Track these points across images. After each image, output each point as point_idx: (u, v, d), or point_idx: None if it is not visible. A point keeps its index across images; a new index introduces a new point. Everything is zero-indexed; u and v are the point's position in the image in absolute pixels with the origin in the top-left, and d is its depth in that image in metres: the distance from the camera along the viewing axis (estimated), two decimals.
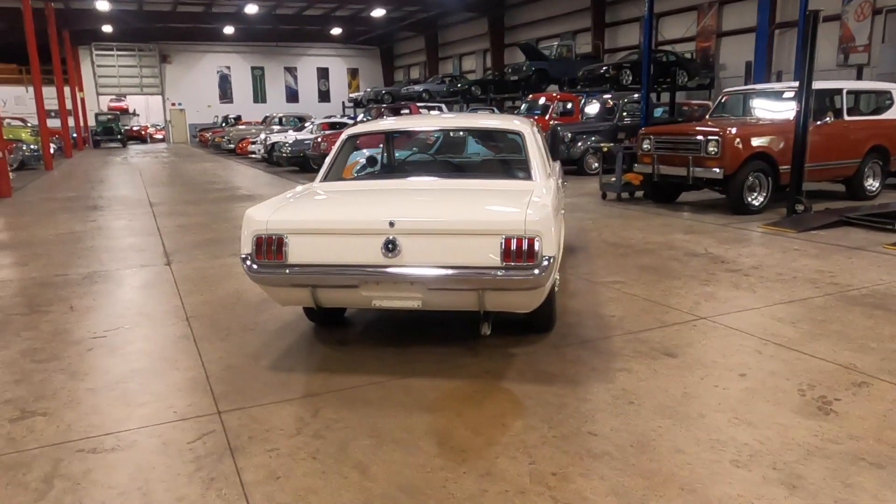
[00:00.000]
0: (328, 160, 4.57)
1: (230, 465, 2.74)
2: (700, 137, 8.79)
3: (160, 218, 9.64)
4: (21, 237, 8.31)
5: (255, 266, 3.56)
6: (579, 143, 14.53)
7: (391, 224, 3.43)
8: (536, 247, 3.32)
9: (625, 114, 14.80)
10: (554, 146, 15.48)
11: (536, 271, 3.32)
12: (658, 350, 3.94)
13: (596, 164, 14.21)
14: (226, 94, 38.43)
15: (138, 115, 40.77)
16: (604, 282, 5.51)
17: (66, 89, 28.81)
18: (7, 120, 24.30)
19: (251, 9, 29.36)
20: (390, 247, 3.41)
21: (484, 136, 5.40)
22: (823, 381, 3.46)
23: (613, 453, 2.78)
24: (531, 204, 3.49)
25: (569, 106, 17.10)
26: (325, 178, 4.43)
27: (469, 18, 32.33)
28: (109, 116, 33.76)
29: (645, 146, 9.66)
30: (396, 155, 5.59)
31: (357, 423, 3.09)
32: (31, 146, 19.91)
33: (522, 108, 18.82)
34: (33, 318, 4.84)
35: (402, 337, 4.28)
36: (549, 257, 3.35)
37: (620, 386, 3.45)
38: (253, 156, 21.44)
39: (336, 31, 36.11)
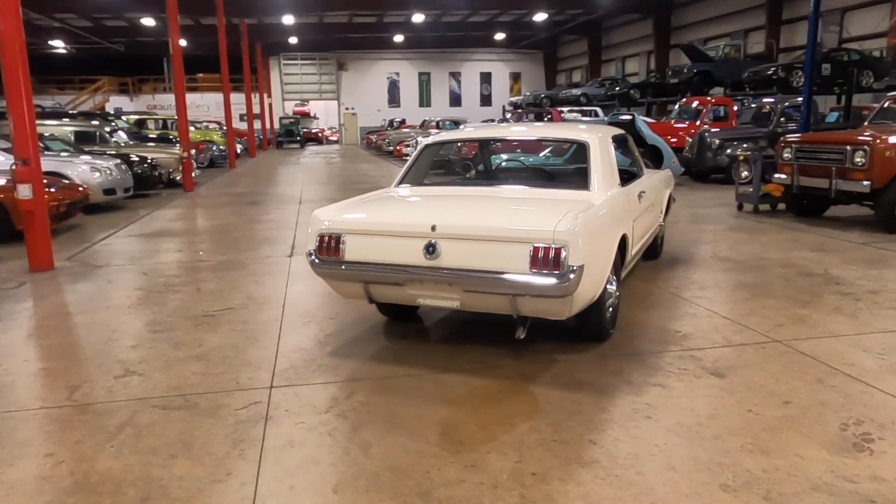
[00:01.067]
0: (406, 166, 4.93)
1: (260, 431, 3.17)
2: (846, 147, 8.04)
3: (302, 215, 10.62)
4: (185, 227, 9.62)
5: (317, 261, 3.99)
6: (728, 151, 13.70)
7: (433, 228, 3.69)
8: (563, 256, 3.41)
9: (783, 119, 13.71)
10: (700, 154, 14.74)
11: (562, 280, 3.41)
12: (707, 369, 3.82)
13: (746, 173, 13.32)
14: (394, 98, 40.63)
15: (318, 119, 44.32)
16: (690, 296, 5.33)
17: (256, 96, 32.18)
18: (204, 123, 27.67)
19: (418, 18, 30.82)
20: (430, 249, 3.67)
21: (554, 146, 5.43)
22: (878, 417, 3.19)
23: (603, 462, 2.83)
24: (567, 214, 3.58)
25: (724, 110, 16.17)
26: (401, 183, 4.79)
27: (633, 20, 31.44)
28: (291, 120, 37.12)
29: (785, 155, 8.99)
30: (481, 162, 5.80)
31: (380, 409, 3.39)
32: (220, 147, 22.52)
33: (674, 112, 18.07)
34: (165, 295, 5.70)
35: (457, 336, 4.51)
36: (576, 266, 3.42)
37: (647, 400, 3.43)
38: (406, 158, 22.60)
39: (499, 36, 36.76)
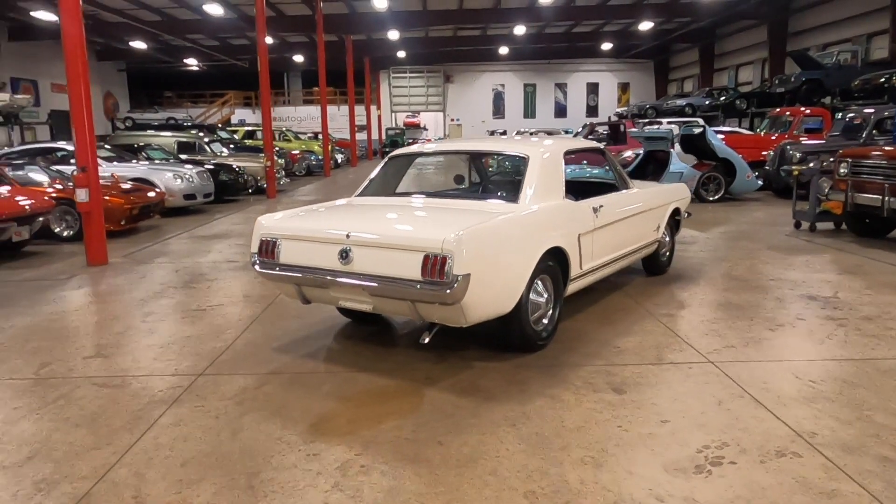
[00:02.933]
0: (370, 177, 5.21)
1: (161, 410, 3.57)
2: None
3: None
4: (245, 230, 10.43)
5: (258, 262, 4.36)
6: (811, 164, 12.79)
7: (347, 236, 3.95)
8: (447, 265, 3.56)
9: (874, 132, 12.61)
10: (781, 168, 13.87)
11: (445, 287, 3.56)
12: (612, 385, 3.80)
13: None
14: (498, 109, 40.99)
15: (427, 130, 45.57)
16: (661, 314, 5.21)
17: (356, 107, 33.72)
18: (309, 133, 29.34)
19: (520, 30, 31.01)
20: (344, 255, 3.94)
21: (500, 159, 5.43)
22: (747, 443, 3.08)
23: (434, 461, 2.97)
24: (464, 225, 3.72)
25: (817, 122, 15.10)
26: (361, 194, 5.08)
27: (748, 26, 29.85)
28: (396, 131, 38.47)
29: (841, 170, 8.38)
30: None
31: (277, 400, 3.69)
32: (319, 156, 23.84)
33: (763, 123, 17.09)
34: (178, 290, 6.33)
35: (404, 339, 4.72)
36: (462, 275, 3.55)
37: (526, 410, 3.49)
38: None
39: (606, 46, 36.14)
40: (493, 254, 3.81)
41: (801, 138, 14.55)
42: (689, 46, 35.47)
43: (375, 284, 3.82)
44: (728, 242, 8.39)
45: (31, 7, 23.45)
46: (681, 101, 29.01)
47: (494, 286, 3.84)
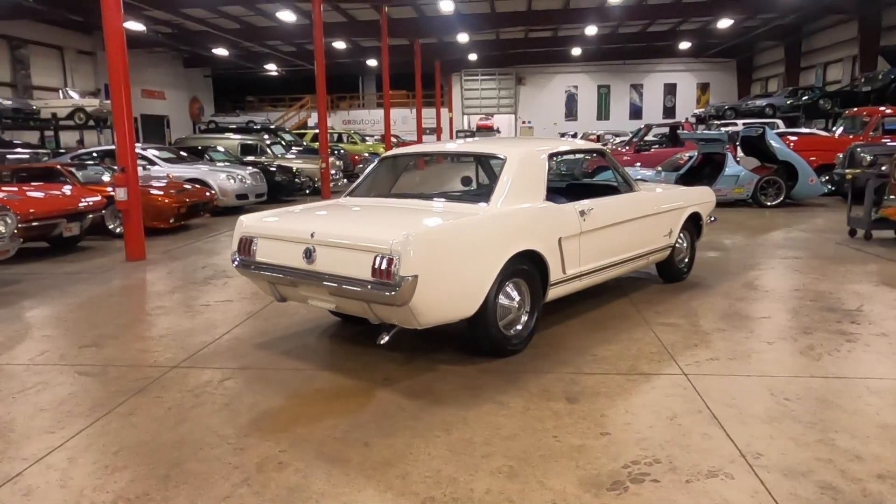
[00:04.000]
0: (361, 177, 5.26)
1: (122, 399, 3.73)
2: None
3: None
4: None
5: (237, 260, 4.49)
6: (884, 168, 11.90)
7: (312, 235, 4.01)
8: (393, 266, 3.55)
9: None
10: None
11: (390, 289, 3.55)
12: (569, 394, 3.68)
13: None
14: (571, 111, 40.28)
15: (500, 132, 45.40)
16: (657, 322, 5.00)
17: (429, 110, 34.01)
18: (376, 136, 29.86)
19: (591, 30, 30.43)
20: (308, 253, 3.99)
21: (478, 160, 5.27)
22: (681, 462, 2.91)
23: (353, 461, 2.97)
24: (417, 227, 3.70)
25: None
26: (349, 194, 5.12)
27: (837, 21, 28.10)
28: (466, 133, 38.52)
29: None
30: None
31: (232, 394, 3.78)
32: None
33: (838, 124, 16.04)
34: (196, 286, 6.59)
35: (392, 343, 4.73)
36: (409, 276, 3.53)
37: (466, 415, 3.43)
38: None
39: (685, 45, 34.89)
40: (447, 256, 3.76)
41: (883, 140, 13.57)
42: (775, 44, 33.75)
43: (334, 284, 3.86)
44: (768, 250, 7.93)
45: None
46: (761, 102, 27.68)
47: (450, 289, 3.79)
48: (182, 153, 13.99)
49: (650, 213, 5.51)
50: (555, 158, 4.90)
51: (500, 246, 4.04)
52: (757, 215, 11.06)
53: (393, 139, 34.69)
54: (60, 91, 23.63)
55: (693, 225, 6.34)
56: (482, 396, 3.66)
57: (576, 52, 35.58)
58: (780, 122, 23.16)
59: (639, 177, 12.31)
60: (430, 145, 5.33)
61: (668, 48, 35.62)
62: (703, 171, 12.76)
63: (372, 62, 37.56)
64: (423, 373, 4.04)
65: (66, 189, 9.28)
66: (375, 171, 5.26)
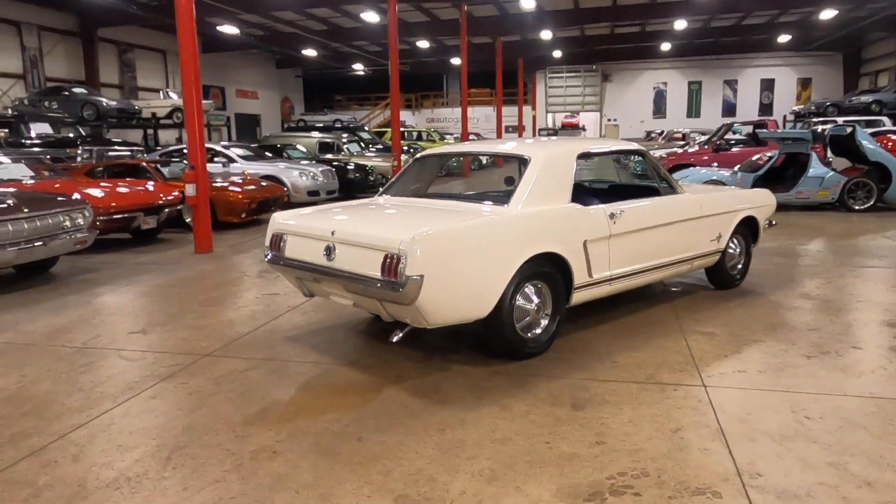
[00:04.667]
0: (395, 176, 5.33)
1: (152, 384, 3.97)
2: None
3: None
4: None
5: (269, 256, 4.68)
6: None
7: (332, 233, 4.13)
8: (401, 265, 3.60)
9: None
10: None
11: (397, 287, 3.61)
12: (576, 400, 3.61)
13: None
14: (659, 109, 39.00)
15: (585, 130, 44.65)
16: (691, 330, 4.81)
17: (513, 108, 33.84)
18: (453, 135, 30.00)
19: (680, 24, 29.35)
20: (328, 251, 4.12)
21: (507, 161, 5.11)
22: (678, 476, 2.81)
23: (342, 454, 3.05)
24: (428, 227, 3.74)
25: None
26: (382, 193, 5.21)
27: None
28: (549, 131, 38.07)
29: None
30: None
31: (250, 384, 3.95)
32: None
33: None
34: (251, 280, 6.90)
35: (406, 339, 4.80)
36: (415, 276, 3.57)
37: (465, 416, 3.44)
38: None
39: (784, 38, 33.00)
40: (455, 257, 3.77)
41: None
42: (886, 35, 31.35)
43: (349, 281, 3.96)
44: (844, 258, 7.43)
45: (217, 22, 26.37)
46: (866, 98, 25.84)
47: (459, 289, 3.81)
48: (265, 152, 14.63)
49: (693, 216, 5.29)
50: (587, 159, 4.79)
51: (515, 248, 4.01)
52: (841, 220, 10.36)
53: (472, 137, 34.87)
54: (161, 92, 25.16)
55: (748, 229, 6.04)
56: (487, 398, 3.65)
57: (665, 47, 34.44)
58: (886, 119, 21.62)
59: (714, 177, 11.82)
60: (461, 145, 5.32)
61: (766, 42, 33.83)
62: (786, 172, 12.07)
63: (456, 61, 37.73)
64: (435, 372, 4.07)
65: (150, 185, 9.90)
66: (410, 170, 5.33)
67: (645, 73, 38.74)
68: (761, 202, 6.12)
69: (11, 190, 7.46)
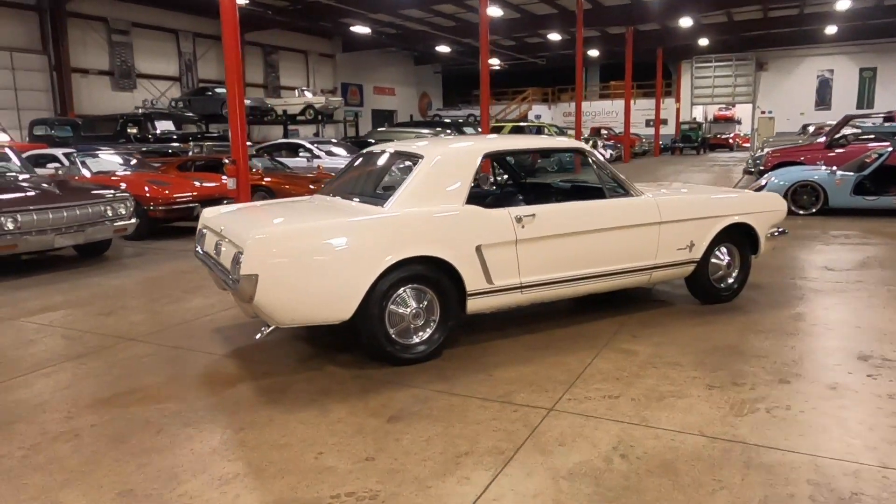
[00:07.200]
0: (337, 173, 5.33)
1: (61, 361, 4.35)
2: None
3: None
4: None
5: (196, 248, 4.91)
6: None
7: (221, 230, 4.28)
8: (240, 261, 3.65)
9: None
10: None
11: (234, 285, 3.67)
12: (400, 413, 3.44)
13: None
14: (823, 99, 34.94)
15: (740, 123, 41.41)
16: (621, 348, 4.36)
17: (647, 101, 32.08)
18: (572, 130, 29.03)
19: (843, 4, 26.15)
20: (217, 247, 4.28)
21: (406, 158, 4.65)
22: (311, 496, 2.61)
23: (129, 439, 3.17)
24: (266, 228, 3.80)
25: None
26: (322, 191, 5.24)
27: None
28: (692, 125, 35.65)
29: None
30: None
31: (137, 368, 4.20)
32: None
33: None
34: None
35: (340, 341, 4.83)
36: (247, 275, 3.60)
37: (274, 418, 3.41)
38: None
39: None
40: (300, 257, 3.73)
41: None
42: None
43: (222, 275, 4.07)
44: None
45: (350, 22, 27.72)
46: None
47: (308, 290, 3.76)
48: (351, 147, 15.23)
49: (644, 221, 4.78)
50: (497, 158, 4.50)
51: (378, 250, 3.87)
52: None
53: (604, 131, 33.64)
54: (296, 90, 26.95)
55: (744, 238, 5.34)
56: (320, 402, 3.60)
57: (830, 30, 30.84)
58: None
59: (804, 178, 10.49)
60: (381, 146, 5.16)
61: None
62: None
63: (593, 52, 36.61)
64: (304, 371, 4.07)
65: (225, 179, 10.70)
66: (348, 167, 5.32)
67: (806, 59, 35.03)
68: (760, 207, 5.37)
69: (62, 182, 8.44)
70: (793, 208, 10.33)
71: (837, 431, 3.13)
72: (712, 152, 35.34)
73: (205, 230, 4.72)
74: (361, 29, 28.33)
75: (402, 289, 4.03)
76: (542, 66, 39.53)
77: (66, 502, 2.68)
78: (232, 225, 4.18)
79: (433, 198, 4.16)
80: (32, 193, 7.39)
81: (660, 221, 4.85)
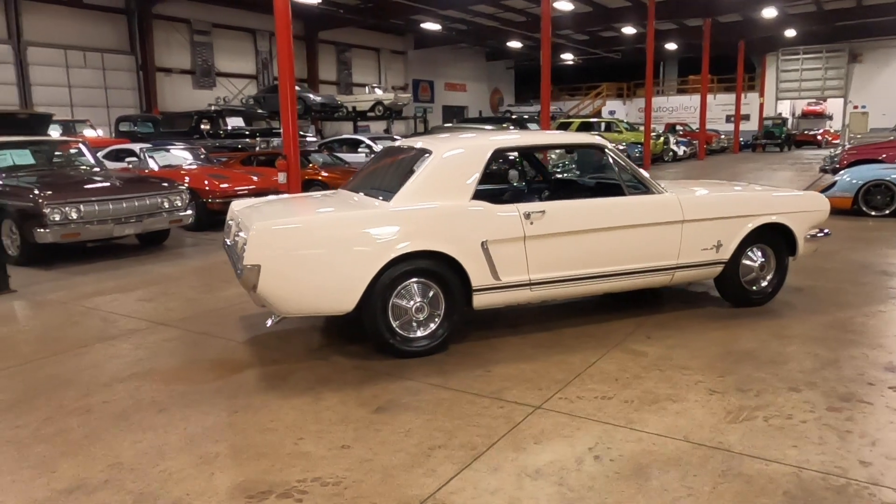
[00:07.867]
0: (359, 169, 5.43)
1: (105, 340, 4.66)
2: None
3: None
4: None
5: (225, 241, 5.13)
6: None
7: (238, 223, 4.45)
8: (246, 250, 3.80)
9: None
10: None
11: (240, 273, 3.82)
12: (389, 403, 3.50)
13: None
14: None
15: (831, 119, 39.20)
16: (631, 349, 4.26)
17: (729, 95, 30.72)
18: (640, 125, 28.17)
19: None
20: (235, 236, 4.46)
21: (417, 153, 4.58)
22: (368, 493, 2.67)
23: (132, 416, 3.37)
24: (272, 220, 3.93)
25: None
26: (344, 186, 5.35)
27: None
28: (776, 121, 33.93)
29: None
30: None
31: (158, 351, 4.44)
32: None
33: None
34: None
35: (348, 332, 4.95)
36: (249, 265, 3.75)
37: (269, 404, 3.54)
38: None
39: None
40: (301, 249, 3.84)
41: None
42: None
43: (234, 266, 4.24)
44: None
45: (421, 19, 27.98)
46: None
47: (310, 281, 3.87)
48: None
49: (666, 220, 4.64)
50: (506, 155, 4.48)
51: (381, 244, 3.94)
52: None
53: (680, 128, 32.54)
54: (367, 87, 27.46)
55: (781, 239, 5.10)
56: (316, 390, 3.70)
57: None
58: None
59: (880, 176, 9.83)
60: (401, 141, 5.18)
61: None
62: None
63: (671, 46, 35.47)
64: (308, 360, 4.19)
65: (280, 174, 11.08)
66: (370, 162, 5.40)
67: None
68: (797, 207, 5.11)
69: (124, 176, 8.95)
70: (864, 208, 9.74)
71: (835, 444, 2.96)
72: (798, 149, 33.52)
73: (231, 222, 4.92)
74: (432, 26, 28.57)
75: (407, 282, 4.08)
76: (618, 61, 38.62)
77: (59, 470, 2.89)
78: (246, 217, 4.34)
79: (439, 193, 4.18)
80: (96, 186, 7.90)
81: (682, 220, 4.69)
